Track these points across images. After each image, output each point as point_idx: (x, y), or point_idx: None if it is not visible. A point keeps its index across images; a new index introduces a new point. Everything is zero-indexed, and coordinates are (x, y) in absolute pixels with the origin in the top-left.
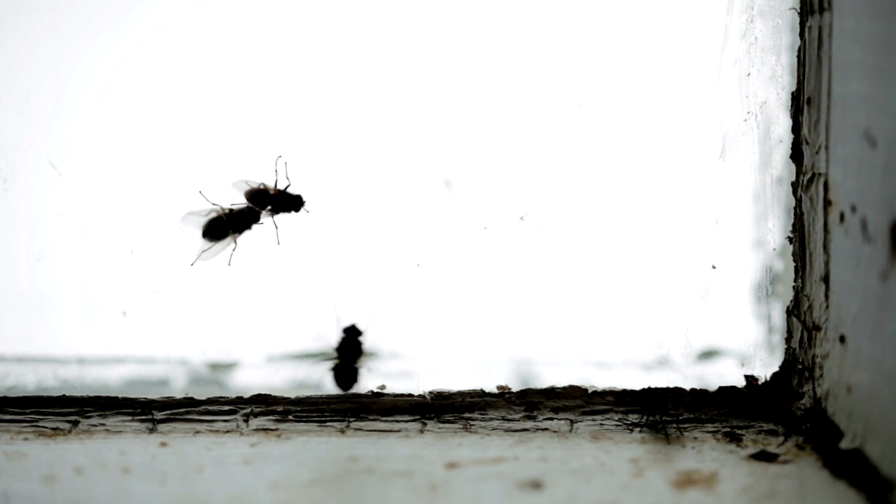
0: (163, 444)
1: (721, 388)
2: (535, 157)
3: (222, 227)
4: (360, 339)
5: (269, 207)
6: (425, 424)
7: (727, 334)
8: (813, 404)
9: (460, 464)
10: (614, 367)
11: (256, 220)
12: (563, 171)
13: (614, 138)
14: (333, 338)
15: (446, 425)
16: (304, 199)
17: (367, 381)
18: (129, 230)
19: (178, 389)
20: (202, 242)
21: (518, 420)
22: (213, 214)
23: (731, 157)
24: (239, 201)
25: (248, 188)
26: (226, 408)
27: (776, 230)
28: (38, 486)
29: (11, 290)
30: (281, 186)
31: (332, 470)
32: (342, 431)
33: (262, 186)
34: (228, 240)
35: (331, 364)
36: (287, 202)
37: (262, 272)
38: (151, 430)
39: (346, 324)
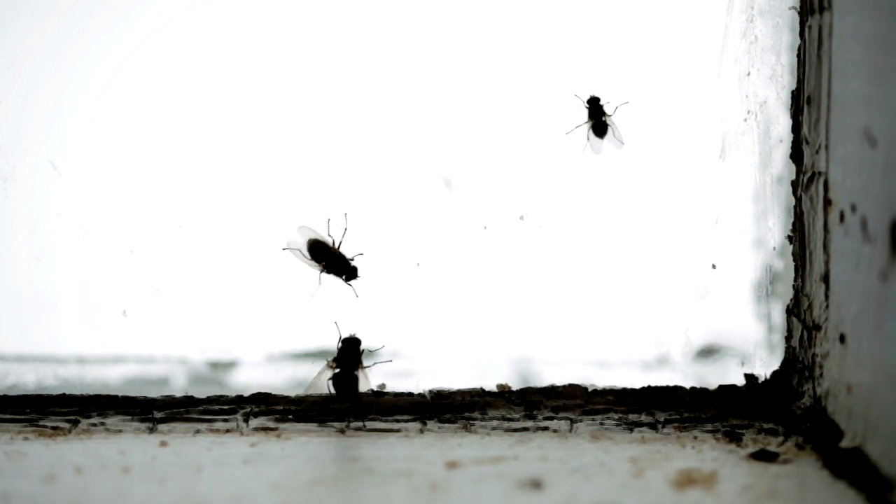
0: (163, 444)
1: (721, 387)
2: (535, 157)
3: (322, 254)
4: (360, 349)
5: (324, 263)
6: (425, 424)
7: (727, 333)
8: (813, 404)
9: (460, 463)
10: (614, 366)
11: (348, 275)
12: (563, 170)
13: (614, 138)
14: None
15: (446, 425)
16: (359, 273)
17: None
18: (129, 230)
19: (178, 389)
20: (301, 253)
21: (518, 419)
22: (328, 241)
23: (731, 156)
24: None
25: (311, 236)
26: (226, 407)
27: (776, 230)
28: (38, 485)
29: (11, 290)
30: (343, 250)
31: (332, 470)
32: (342, 431)
33: (325, 240)
34: (317, 265)
35: (331, 373)
36: (341, 267)
37: (262, 272)
38: (151, 430)
39: (346, 335)
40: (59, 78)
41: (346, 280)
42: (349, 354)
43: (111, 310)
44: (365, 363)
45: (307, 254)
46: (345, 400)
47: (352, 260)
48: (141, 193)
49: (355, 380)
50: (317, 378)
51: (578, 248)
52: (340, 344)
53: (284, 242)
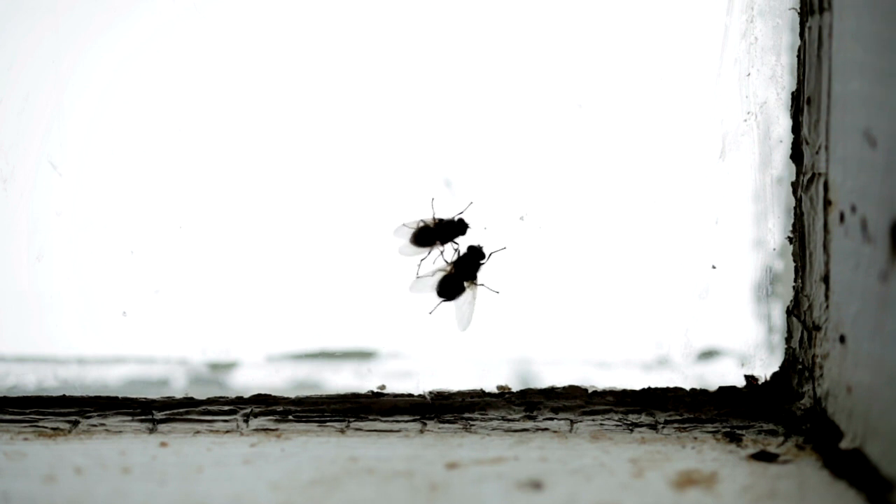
0: (163, 444)
1: (721, 388)
2: (535, 157)
3: (429, 235)
4: (481, 261)
5: (438, 241)
6: (425, 424)
7: (727, 334)
8: (813, 404)
9: (460, 464)
10: (614, 367)
11: (462, 232)
12: (563, 171)
13: (614, 138)
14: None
15: (446, 425)
16: (467, 221)
17: (368, 381)
18: (129, 230)
19: (178, 389)
20: (412, 248)
21: (518, 420)
22: (422, 224)
23: (731, 157)
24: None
25: (409, 231)
26: (226, 408)
27: (776, 230)
28: (38, 486)
29: (11, 290)
30: (441, 216)
31: (332, 470)
32: (342, 431)
33: (422, 224)
34: (435, 247)
35: (442, 273)
36: (452, 230)
37: (262, 272)
38: (151, 430)
39: (473, 244)
40: (59, 78)
41: (463, 234)
42: (466, 262)
43: (111, 310)
44: (479, 279)
45: (416, 246)
46: (442, 297)
47: (453, 218)
48: (141, 194)
49: (461, 288)
50: (431, 275)
51: (578, 248)
52: (466, 250)
53: (396, 252)
